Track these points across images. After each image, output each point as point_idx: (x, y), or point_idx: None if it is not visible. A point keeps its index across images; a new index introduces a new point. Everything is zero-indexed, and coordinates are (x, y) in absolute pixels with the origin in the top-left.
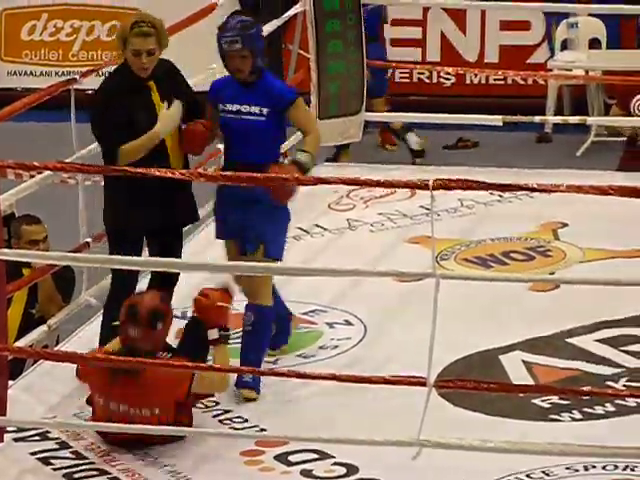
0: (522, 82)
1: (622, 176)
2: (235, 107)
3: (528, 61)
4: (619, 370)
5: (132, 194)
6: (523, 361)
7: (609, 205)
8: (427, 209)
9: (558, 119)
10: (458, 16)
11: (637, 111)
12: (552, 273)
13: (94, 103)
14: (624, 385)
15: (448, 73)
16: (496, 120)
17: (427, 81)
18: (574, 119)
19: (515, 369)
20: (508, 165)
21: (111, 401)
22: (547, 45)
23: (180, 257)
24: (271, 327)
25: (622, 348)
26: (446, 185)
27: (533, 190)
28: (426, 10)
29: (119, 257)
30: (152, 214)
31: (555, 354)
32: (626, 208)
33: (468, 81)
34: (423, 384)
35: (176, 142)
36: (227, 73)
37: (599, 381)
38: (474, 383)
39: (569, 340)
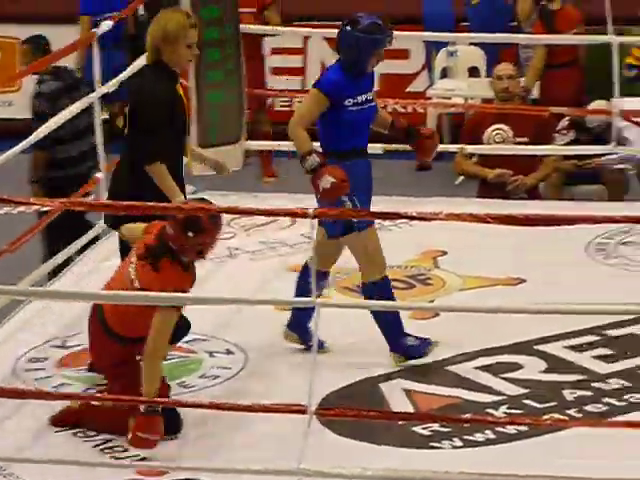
0: (402, 110)
1: (500, 204)
2: (361, 98)
3: (408, 89)
4: (499, 398)
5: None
6: (403, 389)
7: (488, 233)
8: (308, 237)
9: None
10: None
11: (493, 141)
12: (432, 301)
13: (149, 102)
14: (504, 412)
15: None
16: (376, 149)
17: None
18: (454, 147)
19: (395, 397)
20: (388, 193)
21: None
22: (427, 73)
23: None
24: (387, 293)
25: (502, 375)
26: (326, 213)
27: (413, 218)
28: (306, 39)
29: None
30: None
31: (435, 382)
32: (504, 236)
33: None
34: (303, 412)
35: None
36: None
37: (479, 408)
38: (355, 411)
39: (449, 368)
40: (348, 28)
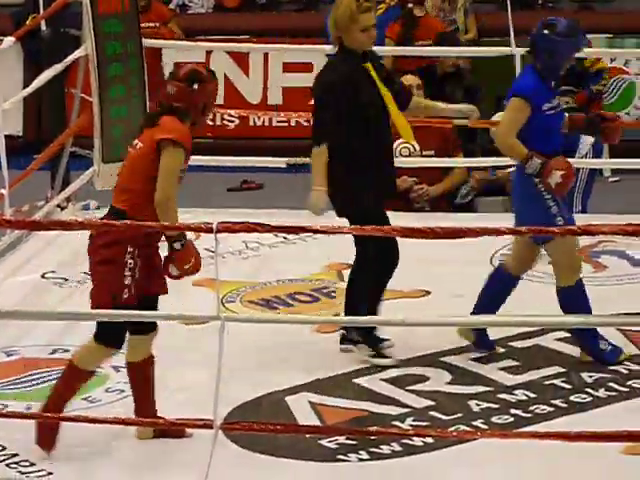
0: (306, 124)
1: (406, 216)
2: (555, 101)
3: (311, 102)
4: (405, 410)
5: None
6: (309, 402)
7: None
8: (212, 252)
9: None
10: (241, 58)
11: (400, 155)
12: (337, 314)
13: (324, 90)
14: (410, 425)
15: (232, 115)
16: (280, 162)
17: (211, 123)
18: None
19: (301, 410)
20: (293, 207)
21: None
22: None
23: None
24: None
25: (408, 388)
26: (230, 228)
27: (317, 232)
28: (209, 53)
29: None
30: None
31: (341, 395)
32: (410, 248)
33: (252, 123)
34: (210, 427)
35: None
36: None
37: (386, 421)
38: (261, 425)
39: (355, 380)
40: (546, 32)
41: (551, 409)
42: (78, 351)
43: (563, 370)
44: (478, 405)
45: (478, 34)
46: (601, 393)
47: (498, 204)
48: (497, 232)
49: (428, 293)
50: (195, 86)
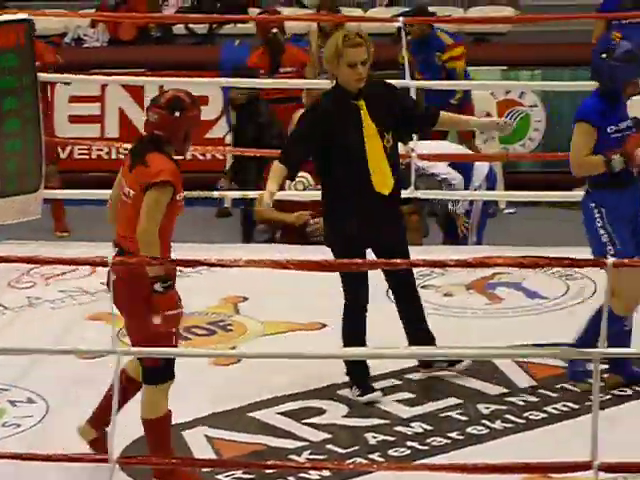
0: (201, 157)
1: (302, 249)
2: (622, 125)
3: (207, 136)
4: (302, 443)
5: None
6: (206, 436)
7: (289, 278)
8: (107, 285)
9: (237, 194)
10: (136, 92)
11: (295, 189)
12: (233, 347)
13: (302, 117)
14: (307, 458)
15: (127, 149)
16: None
17: (106, 157)
18: (254, 194)
19: (198, 444)
20: (188, 240)
21: None
22: (225, 120)
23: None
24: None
25: (305, 421)
26: (126, 262)
27: (213, 265)
28: (104, 87)
29: None
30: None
31: (238, 428)
32: (305, 281)
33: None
34: (106, 461)
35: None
36: None
37: (283, 454)
38: (157, 458)
39: (252, 414)
40: (603, 56)
41: (448, 441)
42: (143, 406)
43: (459, 402)
44: (375, 438)
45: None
46: (497, 425)
47: None
48: (393, 264)
49: (324, 326)
50: (177, 114)
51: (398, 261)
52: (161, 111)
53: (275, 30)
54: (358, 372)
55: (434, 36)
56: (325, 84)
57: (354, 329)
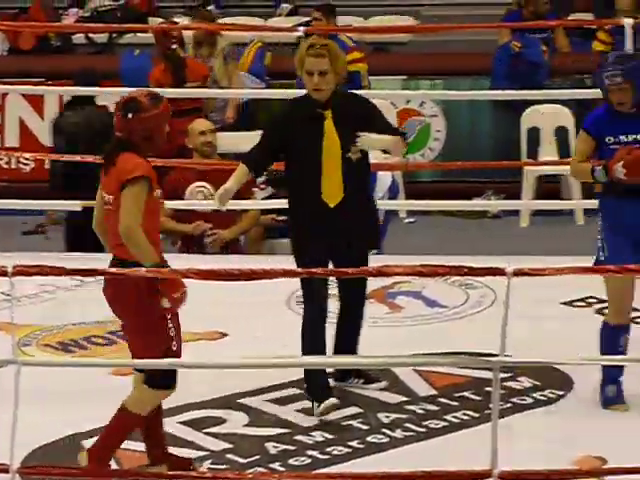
0: None
1: (202, 259)
2: (626, 138)
3: None
4: (203, 453)
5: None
6: None
7: (189, 288)
8: (7, 295)
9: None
10: (36, 101)
11: (195, 198)
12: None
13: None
14: (208, 468)
15: (27, 159)
16: (76, 205)
17: (6, 167)
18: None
19: None
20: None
21: None
22: None
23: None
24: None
25: (205, 430)
26: (25, 271)
27: (114, 275)
28: (4, 96)
29: None
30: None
31: (139, 438)
32: (206, 290)
33: (48, 166)
34: (6, 471)
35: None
36: None
37: None
38: (58, 468)
39: None
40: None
41: (349, 450)
42: (131, 397)
43: (360, 411)
44: (275, 447)
45: (271, 75)
46: (398, 434)
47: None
48: (293, 274)
49: (225, 335)
50: (130, 115)
51: (298, 270)
52: (118, 113)
53: (174, 46)
54: (317, 388)
55: (337, 38)
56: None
57: (314, 343)
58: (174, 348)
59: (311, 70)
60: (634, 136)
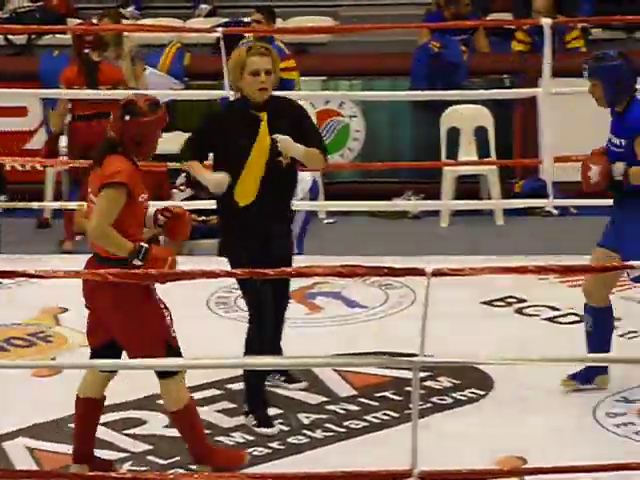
0: (20, 168)
1: None
2: (613, 140)
3: (25, 147)
4: (123, 454)
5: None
6: (26, 447)
7: None
8: None
9: (57, 204)
10: None
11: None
12: (54, 358)
13: (204, 119)
14: (128, 469)
15: None
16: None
17: None
18: (73, 204)
19: (19, 456)
20: (7, 251)
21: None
22: (45, 130)
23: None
24: (609, 325)
25: (126, 432)
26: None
27: (32, 276)
28: None
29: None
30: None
31: (59, 439)
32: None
33: None
34: None
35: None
36: None
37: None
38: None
39: (72, 425)
40: None
41: (269, 451)
42: (166, 400)
43: (280, 412)
44: None
45: (189, 76)
46: (318, 434)
47: (213, 247)
48: (214, 275)
49: None
50: (127, 117)
51: (217, 271)
52: (116, 114)
53: (87, 50)
54: (257, 401)
55: (274, 44)
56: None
57: (259, 349)
58: (173, 335)
59: (257, 70)
60: (610, 136)
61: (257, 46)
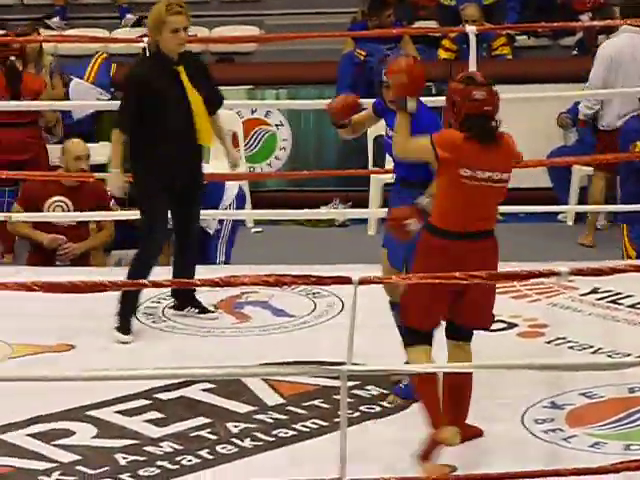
0: None
1: (53, 271)
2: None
3: None
4: (52, 465)
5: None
6: None
7: (36, 300)
8: None
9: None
10: None
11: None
12: None
13: (125, 84)
14: (57, 479)
15: None
16: None
17: None
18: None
19: None
20: None
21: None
22: None
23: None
24: None
25: (54, 442)
26: None
27: None
28: None
29: None
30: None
31: None
32: (53, 302)
33: None
34: None
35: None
36: None
37: (32, 476)
38: None
39: (1, 436)
40: None
41: (198, 460)
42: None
43: (209, 421)
44: (125, 458)
45: (115, 86)
46: (247, 443)
47: None
48: (143, 285)
49: (73, 347)
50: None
51: (145, 282)
52: None
53: (12, 58)
54: (129, 307)
55: None
56: None
57: (141, 275)
58: None
59: (177, 27)
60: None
61: (174, 4)
